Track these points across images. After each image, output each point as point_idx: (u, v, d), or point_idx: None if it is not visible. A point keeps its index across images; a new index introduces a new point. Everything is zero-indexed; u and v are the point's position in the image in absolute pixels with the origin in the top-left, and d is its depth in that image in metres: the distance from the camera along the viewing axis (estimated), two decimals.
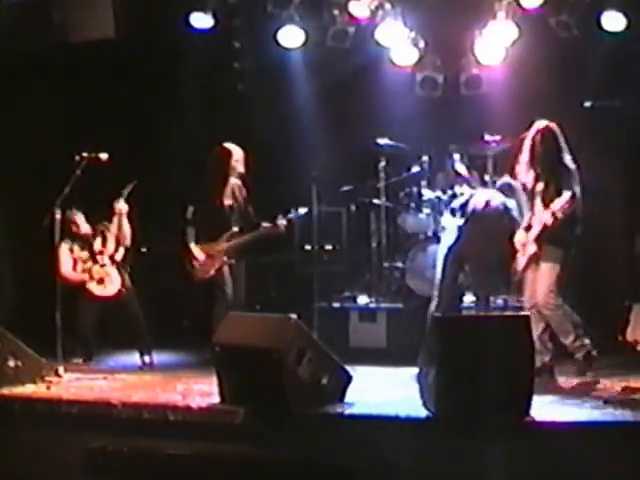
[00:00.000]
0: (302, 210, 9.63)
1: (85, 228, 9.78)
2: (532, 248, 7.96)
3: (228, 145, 9.44)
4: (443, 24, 10.58)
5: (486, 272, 8.98)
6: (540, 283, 7.91)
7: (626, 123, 10.15)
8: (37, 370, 8.21)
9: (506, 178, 8.74)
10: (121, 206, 9.50)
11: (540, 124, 8.05)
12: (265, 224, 9.43)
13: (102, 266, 9.67)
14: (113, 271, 9.67)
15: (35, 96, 11.04)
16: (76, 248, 9.74)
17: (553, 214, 7.78)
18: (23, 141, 11.04)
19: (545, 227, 7.85)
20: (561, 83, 10.32)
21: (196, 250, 9.33)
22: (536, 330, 7.94)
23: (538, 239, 7.91)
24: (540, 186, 7.99)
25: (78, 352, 9.50)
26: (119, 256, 9.68)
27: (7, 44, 10.54)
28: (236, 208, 9.44)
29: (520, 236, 8.10)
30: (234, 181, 9.45)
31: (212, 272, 9.32)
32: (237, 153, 9.43)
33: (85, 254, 9.73)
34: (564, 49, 10.23)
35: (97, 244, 9.74)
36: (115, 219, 9.57)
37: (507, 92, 10.49)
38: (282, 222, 9.47)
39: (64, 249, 9.53)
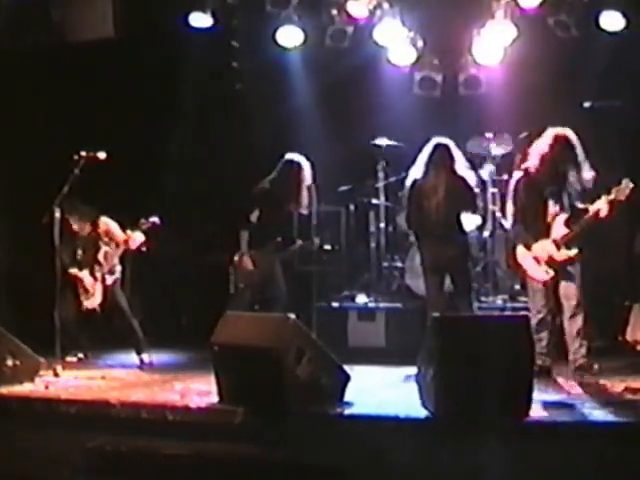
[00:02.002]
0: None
1: (118, 234, 9.57)
2: (565, 253, 7.86)
3: (298, 157, 9.51)
4: (441, 24, 10.59)
5: (466, 277, 8.96)
6: (574, 286, 7.81)
7: (625, 123, 10.15)
8: (35, 369, 8.22)
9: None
10: (136, 236, 9.43)
11: (558, 131, 7.93)
12: (300, 241, 9.67)
13: (94, 279, 9.59)
14: (98, 288, 9.56)
15: (35, 95, 11.04)
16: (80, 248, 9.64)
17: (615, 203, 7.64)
18: (22, 140, 11.03)
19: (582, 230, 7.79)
20: (560, 83, 10.34)
21: (247, 258, 9.35)
22: (549, 335, 7.95)
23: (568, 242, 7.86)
24: (551, 189, 7.92)
25: (71, 347, 9.45)
26: (109, 280, 9.57)
27: (5, 43, 10.53)
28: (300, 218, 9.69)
29: (543, 244, 7.94)
30: (306, 192, 9.56)
31: (255, 279, 9.41)
32: (306, 165, 9.53)
33: (85, 256, 9.65)
34: (563, 49, 10.24)
35: (101, 255, 9.58)
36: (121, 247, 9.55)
37: (506, 92, 10.49)
38: (317, 241, 9.74)
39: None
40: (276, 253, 9.48)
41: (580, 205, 7.89)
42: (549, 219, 7.94)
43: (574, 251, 7.85)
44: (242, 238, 9.34)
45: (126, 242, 9.45)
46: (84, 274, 9.60)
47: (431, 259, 8.84)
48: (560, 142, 7.89)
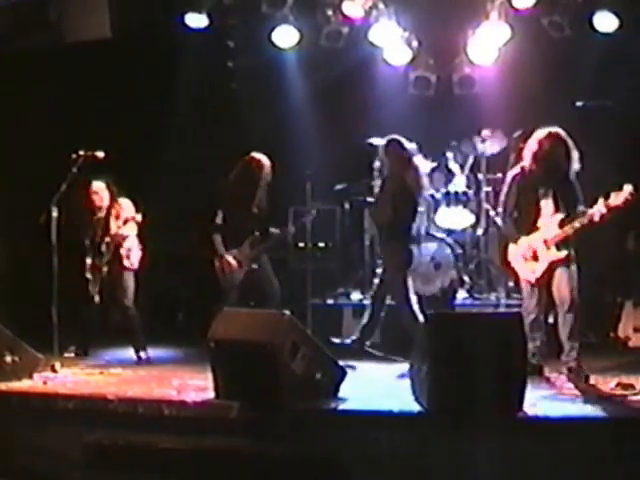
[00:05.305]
0: (313, 211, 9.82)
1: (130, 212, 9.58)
2: (554, 253, 7.84)
3: (259, 156, 9.53)
4: (436, 24, 10.66)
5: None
6: (568, 288, 7.77)
7: (618, 122, 10.22)
8: (34, 365, 8.23)
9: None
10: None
11: (548, 129, 7.94)
12: (274, 230, 9.59)
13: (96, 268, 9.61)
14: (97, 278, 9.58)
15: (34, 95, 11.09)
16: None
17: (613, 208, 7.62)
18: (21, 140, 11.09)
19: (581, 229, 7.77)
20: (553, 83, 10.41)
21: (230, 258, 9.43)
22: (542, 336, 8.01)
23: (561, 242, 7.83)
24: (546, 189, 7.92)
25: (74, 345, 9.51)
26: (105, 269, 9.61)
27: (3, 44, 10.58)
28: (261, 214, 9.57)
29: (531, 240, 7.94)
30: (262, 190, 9.57)
31: (241, 278, 9.45)
32: (267, 163, 9.55)
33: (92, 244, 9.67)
34: (556, 49, 10.32)
35: (103, 246, 9.57)
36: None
37: (500, 92, 10.57)
38: (292, 229, 9.80)
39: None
40: (254, 249, 9.49)
41: (579, 208, 7.86)
42: (542, 219, 7.93)
43: (563, 252, 7.83)
44: (216, 242, 9.45)
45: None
46: (88, 262, 9.60)
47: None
48: (550, 140, 7.89)
